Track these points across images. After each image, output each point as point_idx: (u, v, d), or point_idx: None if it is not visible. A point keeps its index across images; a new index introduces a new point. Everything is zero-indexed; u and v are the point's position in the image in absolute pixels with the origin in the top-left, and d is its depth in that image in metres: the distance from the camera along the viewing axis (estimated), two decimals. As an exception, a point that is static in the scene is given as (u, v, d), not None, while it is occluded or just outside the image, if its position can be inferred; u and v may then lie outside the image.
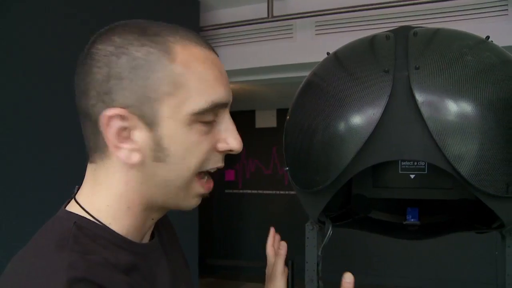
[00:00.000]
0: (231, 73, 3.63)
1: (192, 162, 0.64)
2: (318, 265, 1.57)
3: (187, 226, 3.16)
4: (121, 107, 0.62)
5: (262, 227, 6.15)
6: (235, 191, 6.62)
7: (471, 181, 1.13)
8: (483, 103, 1.10)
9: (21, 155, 1.81)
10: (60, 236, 0.60)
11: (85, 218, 0.65)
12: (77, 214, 0.65)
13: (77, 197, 0.68)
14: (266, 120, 6.46)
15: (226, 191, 6.66)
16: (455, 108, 1.10)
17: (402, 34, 1.25)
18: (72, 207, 0.67)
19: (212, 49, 0.70)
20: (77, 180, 0.71)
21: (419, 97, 1.10)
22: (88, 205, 0.66)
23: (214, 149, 0.67)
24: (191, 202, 0.70)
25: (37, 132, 1.87)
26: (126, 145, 0.63)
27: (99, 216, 0.65)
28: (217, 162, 0.69)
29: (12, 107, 1.80)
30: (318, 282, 1.56)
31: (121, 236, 0.66)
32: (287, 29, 3.28)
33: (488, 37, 1.29)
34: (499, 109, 1.11)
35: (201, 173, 0.68)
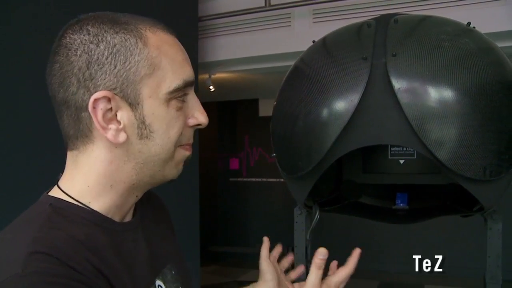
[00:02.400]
0: (230, 62, 3.66)
1: (173, 135, 0.70)
2: (307, 248, 1.61)
3: (188, 214, 3.21)
4: (106, 90, 0.65)
5: (266, 214, 6.20)
6: (239, 179, 6.66)
7: (448, 165, 1.15)
8: (459, 89, 1.13)
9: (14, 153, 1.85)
10: (34, 216, 0.65)
11: (63, 200, 0.69)
12: (55, 197, 0.69)
13: (59, 182, 0.72)
14: (269, 108, 6.45)
15: (231, 179, 6.71)
16: (432, 94, 1.13)
17: (384, 21, 1.27)
18: (53, 191, 0.71)
19: (174, 34, 0.75)
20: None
21: (396, 84, 1.12)
22: (68, 188, 0.70)
23: (186, 124, 0.72)
24: (177, 170, 0.75)
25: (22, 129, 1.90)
26: (112, 126, 0.67)
27: (79, 197, 0.69)
28: (189, 138, 0.75)
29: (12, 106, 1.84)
30: (306, 265, 1.60)
31: (99, 214, 0.69)
32: (285, 18, 3.29)
33: (469, 24, 1.31)
34: (475, 94, 1.13)
35: (183, 145, 0.74)
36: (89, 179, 0.70)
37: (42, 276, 0.55)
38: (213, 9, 3.45)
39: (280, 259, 1.06)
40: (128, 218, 0.77)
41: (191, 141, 0.75)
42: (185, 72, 0.70)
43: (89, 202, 0.69)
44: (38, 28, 1.96)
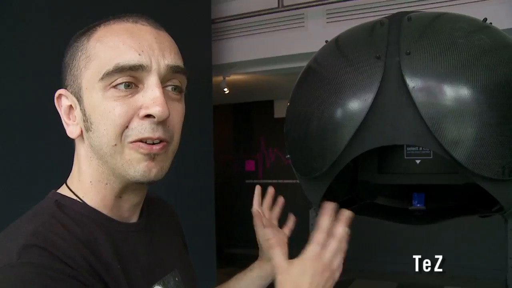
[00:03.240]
0: (244, 64, 3.65)
1: (109, 126, 0.66)
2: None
3: (204, 216, 3.21)
4: (62, 88, 0.71)
5: (283, 216, 6.17)
6: (255, 181, 6.66)
7: (466, 165, 1.13)
8: (475, 87, 1.10)
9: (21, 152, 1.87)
10: (39, 212, 0.68)
11: (67, 197, 0.71)
12: (61, 194, 0.72)
13: (68, 179, 0.75)
14: (284, 109, 6.45)
15: (247, 181, 6.70)
16: (447, 92, 1.11)
17: (397, 19, 1.26)
18: (61, 188, 0.74)
19: (144, 22, 0.71)
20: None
21: (410, 83, 1.10)
22: (70, 184, 0.73)
23: (136, 116, 0.66)
24: (135, 169, 0.68)
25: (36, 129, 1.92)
26: (71, 121, 0.71)
27: (76, 192, 0.72)
28: (142, 132, 0.66)
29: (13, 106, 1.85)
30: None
31: (99, 212, 0.71)
32: (298, 18, 3.28)
33: (485, 20, 1.28)
34: (492, 92, 1.11)
35: (135, 143, 0.67)
36: (79, 174, 0.73)
37: (34, 267, 0.56)
38: (226, 11, 3.46)
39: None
40: (133, 221, 0.77)
41: (147, 134, 0.66)
42: (122, 57, 0.65)
43: (83, 197, 0.71)
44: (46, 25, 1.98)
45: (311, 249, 0.76)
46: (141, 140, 0.66)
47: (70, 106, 0.71)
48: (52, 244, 0.60)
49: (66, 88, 0.71)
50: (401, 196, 1.81)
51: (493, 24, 1.30)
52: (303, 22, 3.27)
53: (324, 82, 1.25)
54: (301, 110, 1.31)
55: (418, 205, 1.75)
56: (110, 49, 0.67)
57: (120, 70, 0.65)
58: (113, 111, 0.65)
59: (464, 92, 1.10)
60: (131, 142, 0.66)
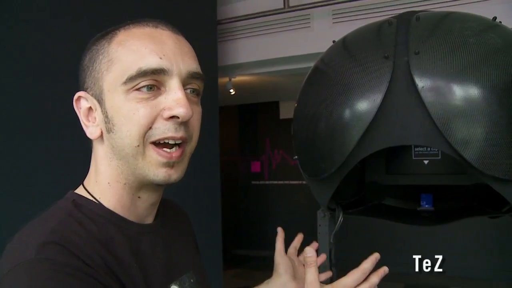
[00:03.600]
0: (250, 65, 3.65)
1: (132, 128, 0.68)
2: (330, 252, 1.58)
3: (210, 218, 3.21)
4: (82, 91, 0.73)
5: (289, 217, 6.17)
6: (261, 182, 6.66)
7: (476, 165, 1.12)
8: (485, 86, 1.09)
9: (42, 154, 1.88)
10: (57, 211, 0.69)
11: (83, 197, 0.73)
12: (78, 194, 0.74)
13: (85, 180, 0.77)
14: (290, 110, 6.43)
15: (253, 182, 6.70)
16: (457, 92, 1.10)
17: (405, 19, 1.25)
18: (79, 188, 0.76)
19: (164, 27, 0.73)
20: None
21: (419, 82, 1.10)
22: (87, 185, 0.75)
23: (160, 117, 0.69)
24: (154, 172, 0.70)
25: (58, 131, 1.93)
26: (91, 123, 0.73)
27: (93, 192, 0.74)
28: (166, 131, 0.69)
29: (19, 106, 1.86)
30: (331, 269, 1.57)
31: (115, 213, 0.72)
32: (305, 19, 3.27)
33: (495, 18, 1.27)
34: (503, 91, 1.09)
35: (158, 144, 0.70)
36: (96, 175, 0.74)
37: (51, 264, 0.58)
38: (232, 12, 3.45)
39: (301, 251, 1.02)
40: (148, 221, 0.78)
41: (170, 134, 0.69)
42: (144, 61, 0.68)
43: (100, 198, 0.73)
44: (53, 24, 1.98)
45: (345, 281, 0.79)
46: (164, 140, 0.69)
47: (90, 108, 0.73)
48: (70, 242, 0.61)
49: (85, 91, 0.73)
50: (409, 197, 1.80)
51: (502, 23, 1.29)
52: (309, 22, 3.26)
53: (332, 83, 1.25)
54: (309, 111, 1.30)
55: (426, 206, 1.74)
56: (132, 53, 0.69)
57: (143, 74, 0.67)
58: (137, 113, 0.68)
59: (474, 91, 1.09)
60: (153, 143, 0.69)
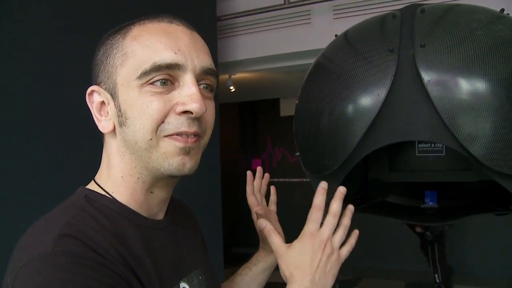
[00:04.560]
0: (250, 62, 3.62)
1: (146, 121, 0.68)
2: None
3: (211, 216, 3.19)
4: (95, 85, 0.74)
5: (290, 215, 6.15)
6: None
7: (483, 161, 1.09)
8: (493, 80, 1.06)
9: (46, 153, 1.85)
10: (69, 206, 0.70)
11: (95, 192, 0.73)
12: (89, 189, 0.74)
13: (96, 174, 0.78)
14: (291, 108, 6.41)
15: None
16: (464, 86, 1.06)
17: (409, 11, 1.21)
18: (90, 183, 0.77)
19: (182, 24, 0.74)
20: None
21: (425, 76, 1.06)
22: (99, 179, 0.76)
23: (173, 112, 0.69)
24: (170, 162, 0.70)
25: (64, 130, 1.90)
26: (103, 117, 0.73)
27: (105, 187, 0.74)
28: (179, 126, 0.69)
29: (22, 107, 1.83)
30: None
31: (127, 208, 0.72)
32: (305, 15, 3.24)
33: (503, 10, 1.24)
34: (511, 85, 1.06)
35: (172, 136, 0.70)
36: (109, 170, 0.74)
37: (68, 256, 0.58)
38: (232, 8, 3.42)
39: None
40: (160, 217, 0.79)
41: (183, 129, 0.70)
42: (159, 56, 0.68)
43: (112, 192, 0.73)
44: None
45: (307, 227, 0.80)
46: (177, 134, 0.69)
47: (102, 102, 0.73)
48: (86, 235, 0.62)
49: (99, 85, 0.73)
50: (412, 194, 1.77)
51: (510, 15, 1.25)
52: (310, 18, 3.23)
53: (334, 77, 1.21)
54: (311, 107, 1.27)
55: (431, 203, 1.70)
56: (147, 48, 0.69)
57: (157, 68, 0.68)
58: (151, 106, 0.68)
59: (482, 85, 1.06)
60: (167, 136, 0.69)
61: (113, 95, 0.71)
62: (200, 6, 3.13)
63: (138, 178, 0.73)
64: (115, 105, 0.71)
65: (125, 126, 0.70)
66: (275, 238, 0.82)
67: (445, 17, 1.17)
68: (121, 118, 0.70)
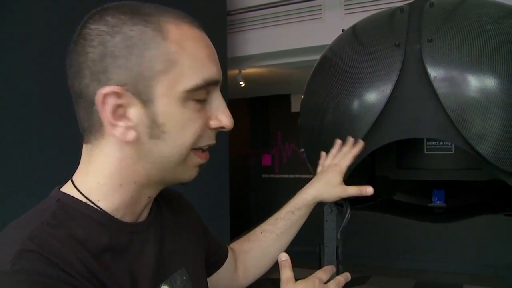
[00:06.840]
0: (260, 57, 3.60)
1: (187, 138, 0.66)
2: (337, 248, 1.53)
3: (219, 211, 3.18)
4: (116, 85, 0.62)
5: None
6: (272, 175, 6.60)
7: (491, 160, 1.06)
8: (503, 77, 1.03)
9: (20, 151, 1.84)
10: (38, 212, 0.64)
11: (71, 196, 0.66)
12: (64, 193, 0.67)
13: (73, 177, 0.70)
14: (302, 104, 6.38)
15: (263, 176, 6.65)
16: (472, 82, 1.04)
17: (418, 5, 1.19)
18: (66, 186, 0.69)
19: (202, 29, 0.70)
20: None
21: (432, 72, 1.04)
22: (81, 184, 0.68)
23: (206, 126, 0.68)
24: (190, 173, 0.71)
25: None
26: (121, 123, 0.64)
27: (89, 194, 0.67)
28: (210, 139, 0.70)
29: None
30: (338, 266, 1.52)
31: (105, 213, 0.67)
32: (316, 10, 3.21)
33: (514, 5, 1.21)
34: (522, 82, 1.03)
35: (196, 150, 0.69)
36: (100, 176, 0.67)
37: (28, 275, 0.54)
38: (242, 3, 3.40)
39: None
40: (142, 219, 0.74)
41: (212, 142, 0.70)
42: (208, 71, 0.65)
43: (98, 200, 0.67)
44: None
45: (312, 279, 0.81)
46: (201, 147, 0.69)
47: (119, 105, 0.63)
48: (50, 249, 0.58)
49: (120, 86, 0.62)
50: (420, 193, 1.74)
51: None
52: (321, 13, 3.20)
53: (340, 72, 1.19)
54: (316, 102, 1.25)
55: (438, 202, 1.68)
56: (194, 60, 0.65)
57: (207, 84, 0.65)
58: (195, 124, 0.66)
59: (490, 82, 1.03)
60: (193, 149, 0.68)
61: (146, 103, 0.63)
62: (210, 1, 3.12)
63: (143, 184, 0.69)
64: (147, 114, 0.63)
65: (159, 139, 0.65)
66: (288, 272, 0.81)
67: (455, 11, 1.14)
68: (156, 131, 0.64)
